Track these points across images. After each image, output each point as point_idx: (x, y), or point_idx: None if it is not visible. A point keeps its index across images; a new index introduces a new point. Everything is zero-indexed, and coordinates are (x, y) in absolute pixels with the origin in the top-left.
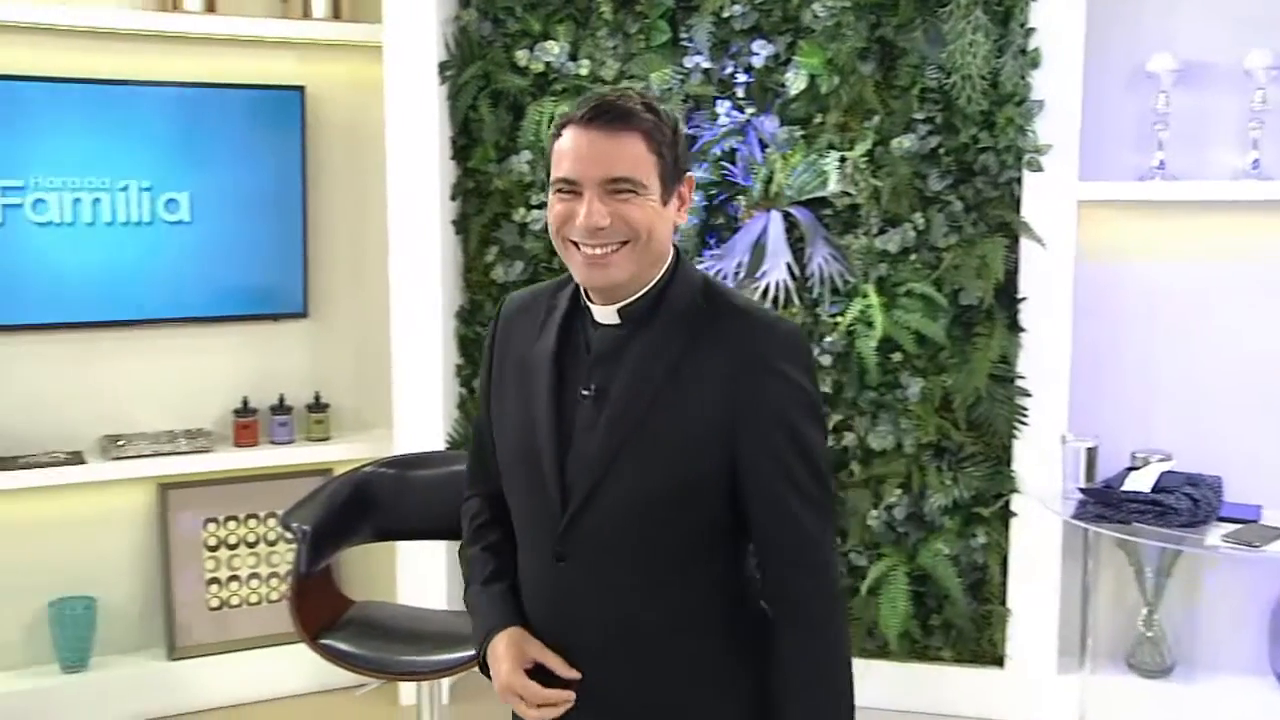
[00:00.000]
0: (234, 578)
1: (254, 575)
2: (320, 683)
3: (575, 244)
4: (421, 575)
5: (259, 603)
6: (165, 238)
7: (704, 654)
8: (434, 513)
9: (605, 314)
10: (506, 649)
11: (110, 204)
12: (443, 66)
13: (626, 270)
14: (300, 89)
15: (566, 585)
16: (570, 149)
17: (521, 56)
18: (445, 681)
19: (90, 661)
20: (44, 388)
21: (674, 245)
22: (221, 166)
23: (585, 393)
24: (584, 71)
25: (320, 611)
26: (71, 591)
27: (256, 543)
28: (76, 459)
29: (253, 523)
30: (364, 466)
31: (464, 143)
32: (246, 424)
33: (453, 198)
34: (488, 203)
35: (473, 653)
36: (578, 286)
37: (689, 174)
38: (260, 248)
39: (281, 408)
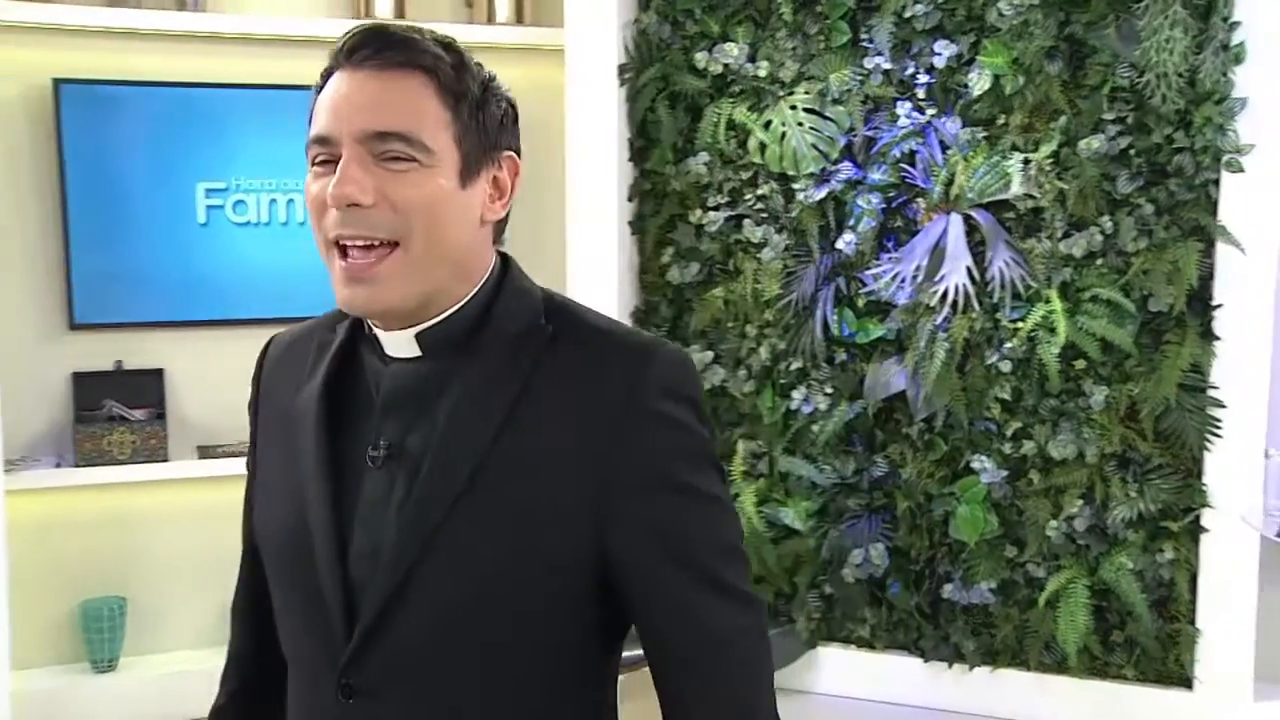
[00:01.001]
0: None
1: None
2: None
3: (339, 246)
4: None
5: None
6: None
7: None
8: None
9: (397, 343)
10: None
11: (303, 204)
12: (622, 69)
13: (400, 287)
14: None
15: None
16: (328, 99)
17: (700, 58)
18: None
19: None
20: (243, 379)
21: (499, 251)
22: None
23: (374, 454)
24: (762, 73)
25: None
26: None
27: None
28: None
29: None
30: None
31: (641, 144)
32: None
33: (630, 199)
34: (664, 204)
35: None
36: (360, 319)
37: (510, 153)
38: None
39: None
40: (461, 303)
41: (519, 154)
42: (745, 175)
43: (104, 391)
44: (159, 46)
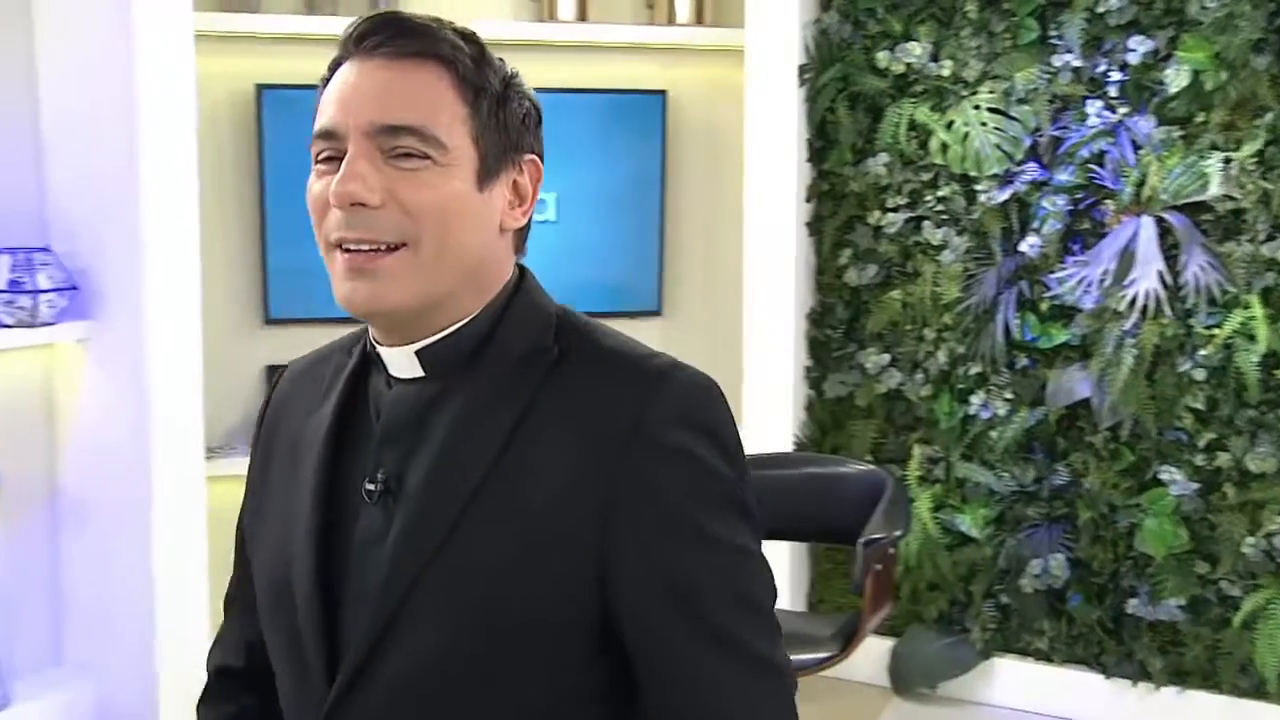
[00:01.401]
0: None
1: None
2: None
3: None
4: None
5: None
6: (533, 236)
7: None
8: (784, 513)
9: (399, 361)
10: None
11: None
12: (802, 69)
13: (404, 285)
14: (662, 93)
15: None
16: (335, 90)
17: (882, 58)
18: None
19: None
20: None
21: (518, 264)
22: (585, 168)
23: (369, 487)
24: (945, 72)
25: None
26: None
27: None
28: None
29: None
30: None
31: (820, 145)
32: None
33: (808, 199)
34: (842, 205)
35: (821, 655)
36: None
37: (533, 157)
38: (619, 247)
39: None
40: (470, 317)
41: (542, 158)
42: (926, 176)
43: None
44: None
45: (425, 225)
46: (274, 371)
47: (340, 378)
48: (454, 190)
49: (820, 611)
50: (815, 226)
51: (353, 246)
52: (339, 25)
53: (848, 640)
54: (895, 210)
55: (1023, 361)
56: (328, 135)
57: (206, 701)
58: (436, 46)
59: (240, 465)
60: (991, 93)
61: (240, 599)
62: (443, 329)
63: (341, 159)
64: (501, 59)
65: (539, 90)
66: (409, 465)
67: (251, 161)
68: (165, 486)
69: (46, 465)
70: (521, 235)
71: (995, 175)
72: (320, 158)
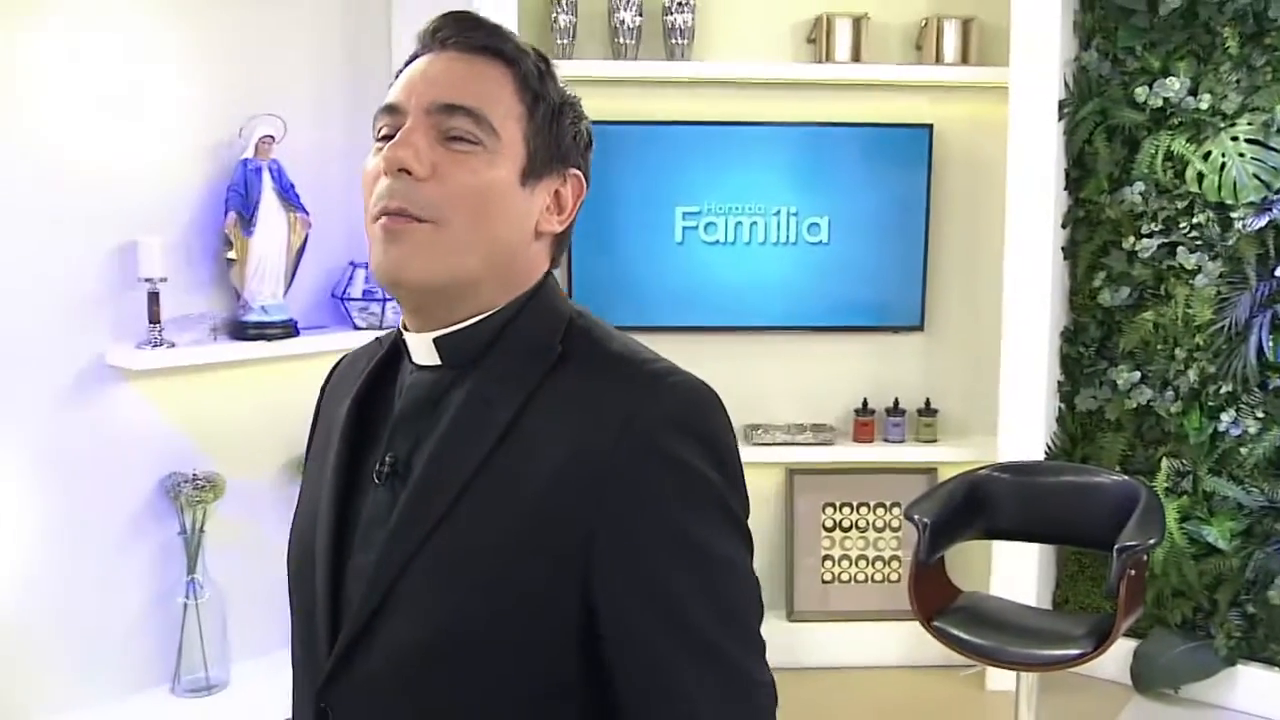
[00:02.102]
0: (845, 556)
1: (862, 556)
2: (912, 658)
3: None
4: (1015, 573)
5: (865, 581)
6: (807, 256)
7: None
8: (1041, 516)
9: (420, 348)
10: None
11: (764, 226)
12: (1061, 104)
13: (431, 261)
14: (929, 127)
15: None
16: (404, 75)
17: (1140, 93)
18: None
19: None
20: (704, 379)
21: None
22: (856, 195)
23: (379, 469)
24: (1204, 105)
25: (933, 597)
26: None
27: (866, 528)
28: None
29: (864, 510)
30: (979, 469)
31: (1077, 175)
32: (865, 422)
33: (1064, 225)
34: (1097, 231)
35: (1075, 652)
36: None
37: (578, 173)
38: (886, 267)
39: (896, 410)
40: (492, 311)
41: (588, 180)
42: (1181, 204)
43: None
44: (651, 91)
45: (460, 207)
46: None
47: (370, 365)
48: (496, 178)
49: (1065, 611)
50: (1070, 251)
51: (392, 213)
52: (640, 69)
53: (1100, 639)
54: (1150, 236)
55: (1276, 382)
56: (391, 110)
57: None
58: (504, 46)
59: None
60: (1250, 124)
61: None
62: (465, 319)
63: (385, 139)
64: (567, 84)
65: (816, 124)
66: (417, 450)
67: None
68: None
69: None
70: (558, 245)
71: (1252, 203)
72: (379, 135)
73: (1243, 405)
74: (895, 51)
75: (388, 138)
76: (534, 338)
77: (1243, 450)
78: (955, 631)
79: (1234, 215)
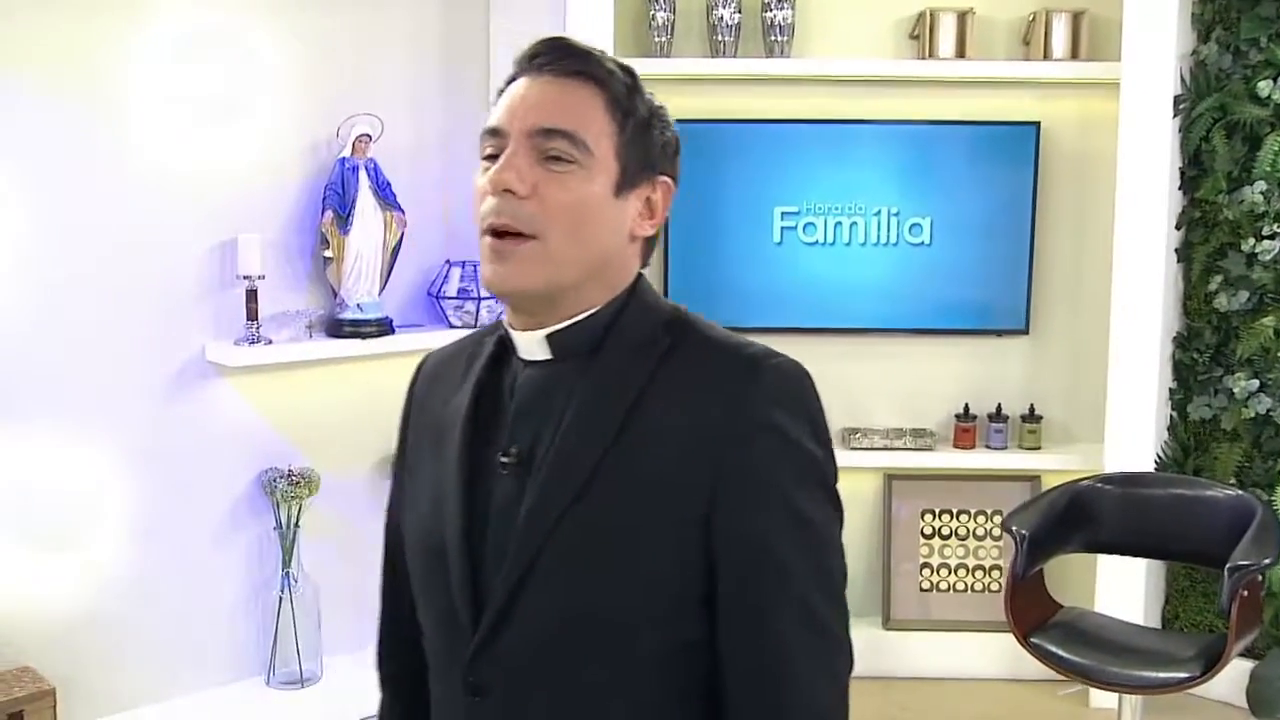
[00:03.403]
0: (944, 565)
1: (961, 565)
2: (1011, 671)
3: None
4: (1121, 588)
5: (964, 590)
6: (908, 257)
7: None
8: (1148, 530)
9: (530, 345)
10: None
11: (864, 227)
12: (1177, 100)
13: (534, 272)
14: (1036, 124)
15: None
16: (505, 98)
17: (1263, 87)
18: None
19: None
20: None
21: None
22: (960, 195)
23: (505, 459)
24: None
25: (1031, 611)
26: None
27: (966, 536)
28: None
29: (964, 518)
30: (1082, 480)
31: (1193, 174)
32: (966, 428)
33: (1178, 227)
34: (1214, 232)
35: (1182, 676)
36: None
37: (666, 179)
38: (990, 269)
39: (999, 416)
40: (595, 309)
41: (676, 183)
42: None
43: None
44: (749, 89)
45: (559, 221)
46: None
47: (476, 364)
48: (592, 193)
49: (1175, 629)
50: (1184, 253)
51: (499, 228)
52: (738, 66)
53: (1210, 663)
54: (1271, 238)
55: None
56: (494, 133)
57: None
58: (595, 70)
59: None
60: None
61: (388, 575)
62: (570, 317)
63: (492, 157)
64: (652, 93)
65: (919, 122)
66: (538, 439)
67: None
68: None
69: None
70: (649, 246)
71: None
72: (485, 154)
73: None
74: (1001, 47)
75: (492, 157)
76: (641, 332)
77: None
78: (1053, 648)
79: None
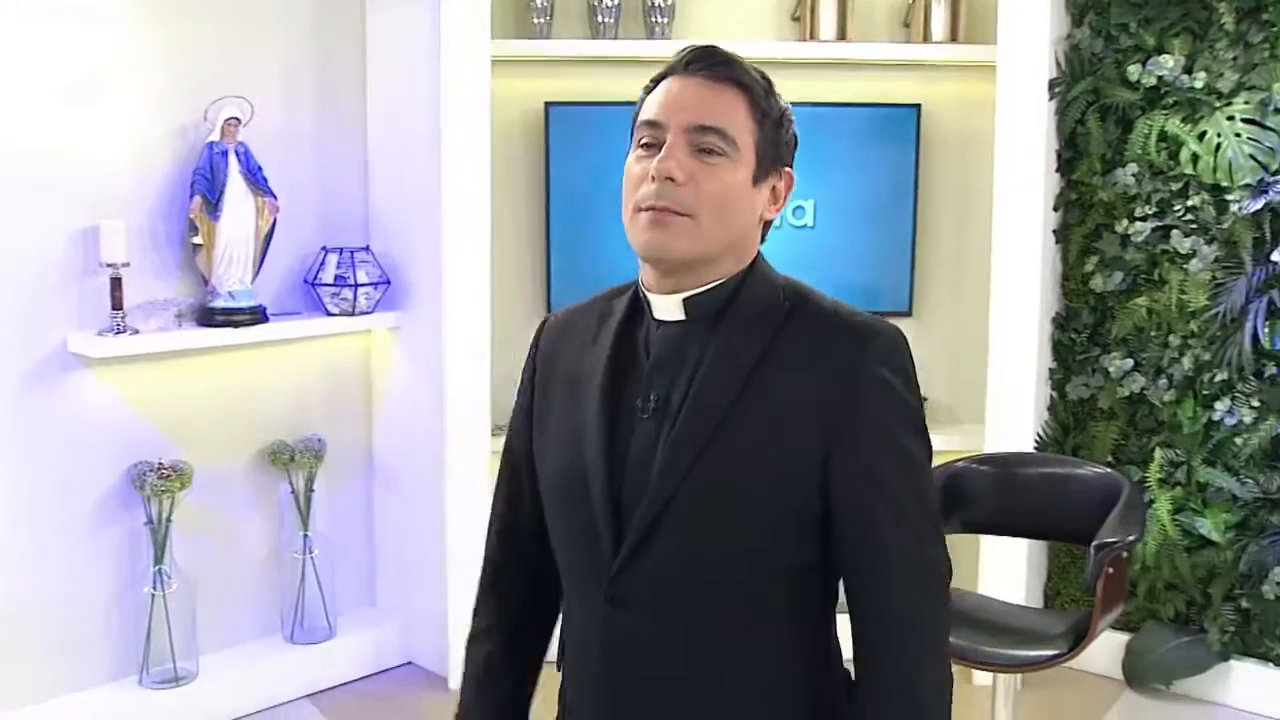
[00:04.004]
0: None
1: None
2: None
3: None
4: (1003, 568)
5: None
6: (792, 240)
7: None
8: (1022, 510)
9: (667, 308)
10: None
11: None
12: (1052, 83)
13: (686, 242)
14: (917, 107)
15: (621, 634)
16: (661, 94)
17: (1133, 71)
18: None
19: None
20: None
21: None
22: (843, 177)
23: (644, 405)
24: (1199, 84)
25: None
26: None
27: None
28: None
29: None
30: (957, 461)
31: (1069, 156)
32: None
33: (1055, 208)
34: (1089, 214)
35: (1049, 653)
36: (637, 290)
37: (789, 170)
38: (873, 251)
39: None
40: (725, 278)
41: (793, 173)
42: (1175, 186)
43: None
44: (632, 71)
45: (709, 205)
46: None
47: (610, 322)
48: (736, 181)
49: (1057, 605)
50: (1062, 234)
51: (659, 208)
52: (619, 48)
53: (1077, 639)
54: (1143, 219)
55: (1271, 370)
56: (652, 124)
57: (481, 594)
58: (741, 76)
59: None
60: (1247, 103)
61: (507, 502)
62: (705, 284)
63: (657, 147)
64: (780, 94)
65: (800, 104)
66: (674, 389)
67: (539, 173)
68: (457, 457)
69: (364, 435)
70: (768, 226)
71: (1248, 185)
72: (640, 144)
73: (1238, 394)
74: (883, 29)
75: (648, 145)
76: (763, 299)
77: (1238, 440)
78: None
79: (1229, 198)
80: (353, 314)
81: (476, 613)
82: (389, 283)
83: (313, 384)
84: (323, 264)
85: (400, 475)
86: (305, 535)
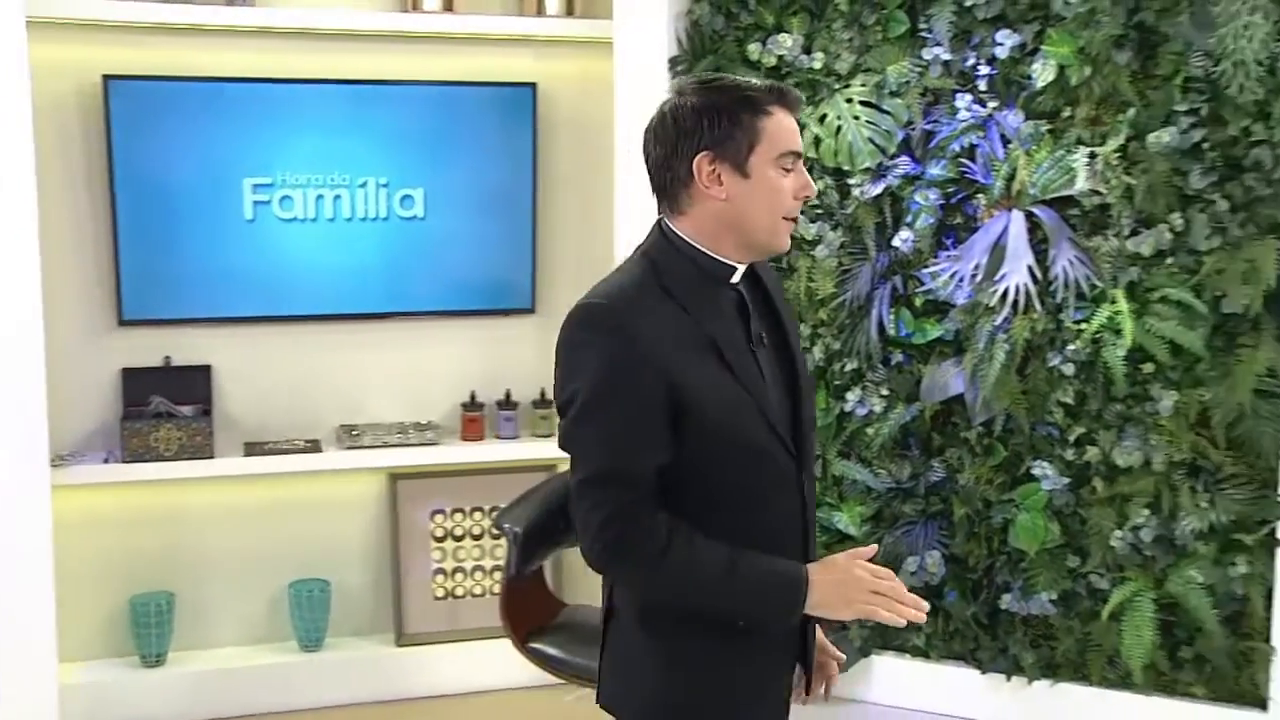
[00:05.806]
0: (459, 569)
1: (478, 568)
2: (544, 678)
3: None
4: None
5: (483, 594)
6: (401, 233)
7: None
8: None
9: (739, 274)
10: (837, 561)
11: (350, 200)
12: (673, 61)
13: None
14: (532, 86)
15: (806, 489)
16: (790, 126)
17: (754, 50)
18: None
19: (325, 642)
20: (287, 377)
21: None
22: (454, 163)
23: (759, 341)
24: (817, 65)
25: (531, 613)
26: (308, 574)
27: (481, 535)
28: (314, 447)
29: (478, 515)
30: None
31: None
32: (474, 418)
33: None
34: None
35: None
36: (698, 267)
37: None
38: (490, 243)
39: (508, 403)
40: None
41: None
42: None
43: (153, 387)
44: (207, 42)
45: None
46: (129, 375)
47: (705, 294)
48: None
49: None
50: None
51: (797, 219)
52: (192, 14)
53: None
54: None
55: (898, 357)
56: (796, 154)
57: (682, 542)
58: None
59: (93, 473)
60: (864, 86)
61: (648, 449)
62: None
63: (791, 169)
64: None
65: (404, 83)
66: (762, 328)
67: (100, 156)
68: (4, 497)
69: None
70: None
71: (868, 169)
72: (787, 166)
73: (868, 384)
74: (495, 1)
75: (786, 170)
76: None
77: (869, 431)
78: (552, 651)
79: (851, 182)
80: None
81: (649, 538)
82: None
83: None
84: None
85: None
86: None
